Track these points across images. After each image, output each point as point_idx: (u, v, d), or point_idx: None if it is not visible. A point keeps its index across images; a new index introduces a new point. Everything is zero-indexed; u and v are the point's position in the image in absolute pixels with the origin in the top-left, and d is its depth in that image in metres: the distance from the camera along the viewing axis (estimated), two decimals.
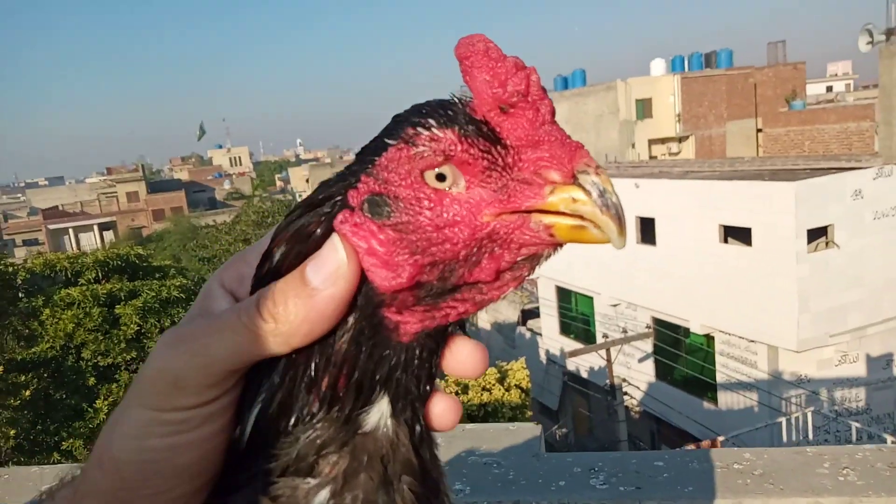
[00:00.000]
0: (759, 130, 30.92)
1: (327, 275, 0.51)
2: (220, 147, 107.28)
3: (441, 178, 0.51)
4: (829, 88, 55.99)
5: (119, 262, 11.24)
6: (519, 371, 13.58)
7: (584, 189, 0.49)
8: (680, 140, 32.77)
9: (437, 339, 0.56)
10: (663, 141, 32.68)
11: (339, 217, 0.53)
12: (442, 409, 0.59)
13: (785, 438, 15.42)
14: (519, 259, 0.52)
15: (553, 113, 0.52)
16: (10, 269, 9.91)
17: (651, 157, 31.47)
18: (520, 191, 0.50)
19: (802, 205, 14.67)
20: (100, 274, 10.85)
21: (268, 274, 0.56)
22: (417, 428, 0.57)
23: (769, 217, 15.18)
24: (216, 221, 38.06)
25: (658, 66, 34.47)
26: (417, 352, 0.55)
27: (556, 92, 36.27)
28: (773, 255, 15.19)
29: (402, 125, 0.52)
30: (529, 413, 13.61)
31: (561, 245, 0.52)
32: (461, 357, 0.58)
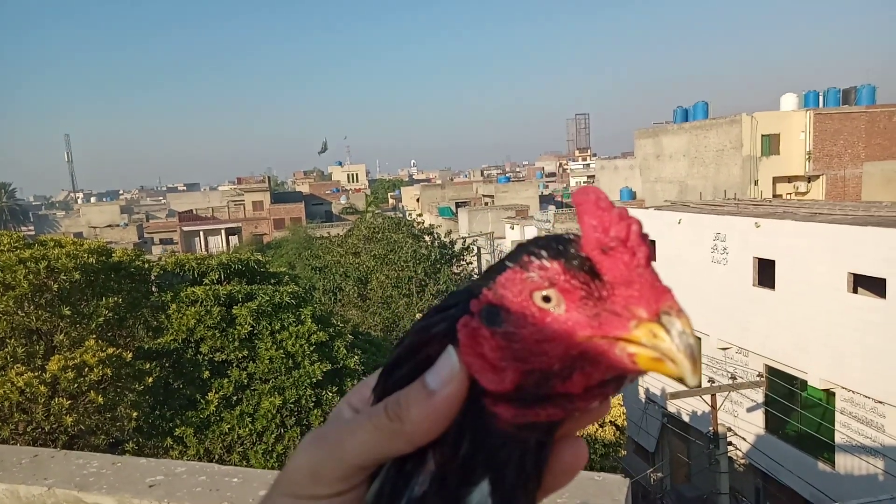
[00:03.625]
0: None
1: (442, 379, 0.59)
2: (340, 164, 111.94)
3: (546, 299, 0.58)
4: None
5: (240, 266, 12.04)
6: (615, 408, 13.17)
7: (664, 328, 0.55)
8: (809, 179, 30.77)
9: (541, 435, 0.63)
10: (790, 179, 30.81)
11: (462, 319, 0.61)
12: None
13: None
14: (606, 378, 0.59)
15: (648, 259, 0.58)
16: (147, 265, 10.81)
17: (775, 196, 29.80)
18: (610, 320, 0.57)
19: None
20: (222, 276, 11.65)
21: (399, 356, 0.65)
22: None
23: None
24: (330, 234, 39.63)
25: (789, 100, 32.67)
26: (515, 442, 0.61)
27: (675, 124, 35.24)
28: None
29: (522, 252, 0.61)
30: (623, 452, 13.15)
31: (642, 372, 0.58)
32: (561, 462, 0.65)
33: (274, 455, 10.56)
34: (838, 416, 16.25)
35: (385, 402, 0.60)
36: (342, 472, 0.60)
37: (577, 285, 0.58)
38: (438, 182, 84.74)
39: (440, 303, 0.67)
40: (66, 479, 2.38)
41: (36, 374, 8.27)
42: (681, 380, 0.55)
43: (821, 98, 32.97)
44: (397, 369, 0.64)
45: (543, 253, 0.59)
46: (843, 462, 16.29)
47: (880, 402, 14.97)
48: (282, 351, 10.85)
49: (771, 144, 30.28)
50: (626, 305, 0.56)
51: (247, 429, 10.51)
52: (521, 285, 0.59)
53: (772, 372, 17.96)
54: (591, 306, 0.57)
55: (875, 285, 14.93)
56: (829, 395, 16.52)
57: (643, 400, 22.94)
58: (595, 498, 2.02)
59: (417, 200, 66.67)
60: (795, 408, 17.51)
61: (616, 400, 13.32)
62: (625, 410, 13.22)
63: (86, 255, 9.64)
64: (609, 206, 0.60)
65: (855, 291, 15.36)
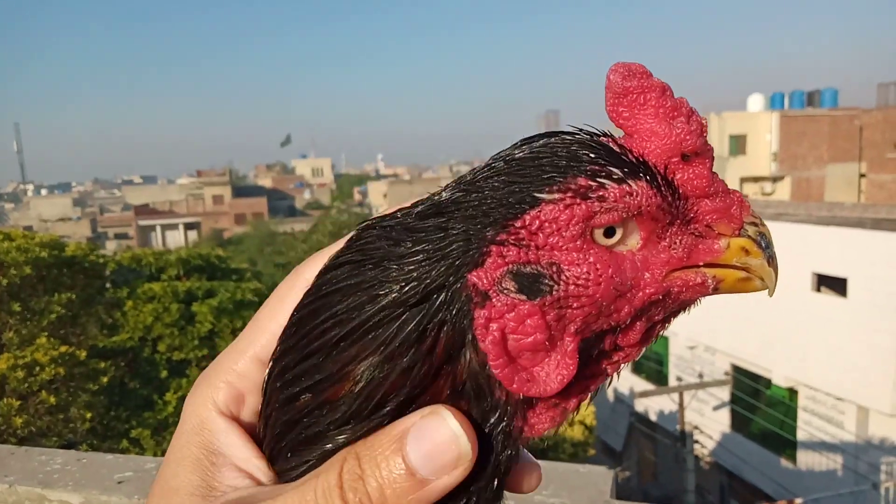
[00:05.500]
0: (862, 176, 29.21)
1: (442, 464, 0.39)
2: (304, 157, 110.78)
3: (609, 233, 0.42)
4: None
5: (200, 262, 11.76)
6: (584, 407, 13.17)
7: (754, 241, 0.46)
8: (774, 180, 31.36)
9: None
10: (756, 180, 31.36)
11: (479, 318, 0.40)
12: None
13: None
14: (668, 315, 0.47)
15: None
16: (101, 260, 10.47)
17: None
18: (696, 245, 0.45)
19: None
20: (181, 271, 11.34)
21: (357, 400, 0.42)
22: None
23: (869, 269, 14.23)
24: (294, 229, 39.34)
25: (756, 101, 33.25)
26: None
27: None
28: (871, 309, 14.20)
29: (561, 174, 0.41)
30: (592, 451, 13.15)
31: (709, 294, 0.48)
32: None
33: None
34: (801, 414, 16.56)
35: (339, 483, 0.39)
36: None
37: (666, 209, 0.43)
38: (406, 178, 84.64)
39: (374, 284, 0.42)
40: (29, 475, 2.23)
41: None
42: (761, 291, 0.48)
43: (786, 100, 33.68)
44: (335, 409, 0.42)
45: (614, 171, 0.41)
46: (805, 459, 16.62)
47: (840, 400, 15.27)
48: None
49: (738, 145, 30.78)
50: (710, 223, 0.45)
51: None
52: (583, 224, 0.41)
53: (738, 371, 18.21)
54: (674, 232, 0.44)
55: (837, 285, 15.21)
56: (793, 393, 16.82)
57: (611, 399, 23.12)
58: (580, 490, 1.95)
59: (385, 196, 66.59)
60: (760, 406, 17.79)
61: None
62: (594, 410, 13.22)
63: (37, 248, 9.33)
64: (672, 92, 0.44)
65: (818, 291, 15.64)
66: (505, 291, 0.41)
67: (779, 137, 30.54)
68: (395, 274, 0.42)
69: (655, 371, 21.42)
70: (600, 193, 0.41)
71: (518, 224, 0.41)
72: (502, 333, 0.41)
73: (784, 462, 17.10)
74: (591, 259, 0.42)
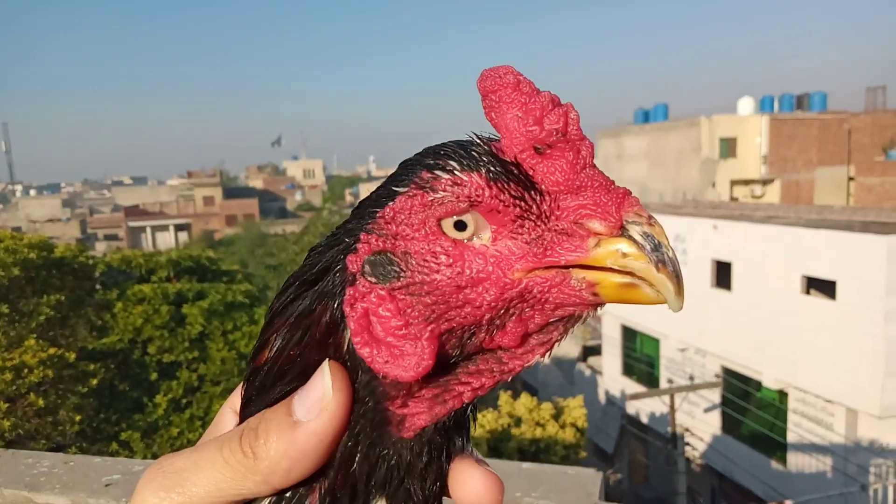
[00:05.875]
0: (851, 179, 29.43)
1: (310, 405, 0.44)
2: (296, 158, 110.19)
3: (461, 227, 0.44)
4: None
5: (190, 264, 11.69)
6: (576, 409, 13.18)
7: (635, 242, 0.42)
8: (764, 183, 31.53)
9: (447, 433, 0.48)
10: (746, 183, 31.53)
11: (348, 297, 0.45)
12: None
13: None
14: (551, 321, 0.45)
15: (593, 155, 0.45)
16: (90, 262, 10.42)
17: (732, 199, 30.46)
18: (558, 243, 0.43)
19: (895, 260, 13.78)
20: (171, 273, 11.28)
21: (266, 367, 0.48)
22: None
23: (857, 271, 14.33)
24: (285, 231, 39.22)
25: (746, 104, 33.42)
26: (421, 449, 0.47)
27: (636, 125, 35.73)
28: (860, 311, 14.29)
29: (415, 169, 0.45)
30: (584, 454, 13.16)
31: (603, 305, 0.44)
32: (468, 489, 0.49)
33: None
34: (791, 416, 16.64)
35: (241, 429, 0.47)
36: None
37: (509, 201, 0.43)
38: None
39: (299, 270, 0.50)
40: (15, 479, 2.25)
41: None
42: (658, 304, 0.43)
43: (776, 103, 33.87)
44: (258, 376, 0.50)
45: (451, 164, 0.44)
46: (795, 460, 16.70)
47: (830, 402, 15.35)
48: (234, 352, 10.54)
49: (728, 148, 30.93)
50: (578, 220, 0.43)
51: (197, 433, 10.18)
52: (423, 213, 0.44)
53: (728, 373, 18.28)
54: (529, 228, 0.43)
55: (826, 287, 15.30)
56: (783, 395, 16.90)
57: (603, 401, 23.14)
58: (569, 492, 1.97)
59: None
60: (751, 408, 17.87)
61: (577, 401, 13.33)
62: (585, 412, 13.24)
63: (26, 249, 9.29)
64: (535, 89, 0.44)
65: (807, 293, 15.73)
66: (366, 275, 0.45)
67: (768, 140, 30.71)
68: (308, 260, 0.50)
69: (646, 373, 21.47)
70: (433, 184, 0.44)
71: (380, 215, 0.46)
72: (366, 313, 0.44)
73: (774, 464, 17.16)
74: (436, 248, 0.43)
